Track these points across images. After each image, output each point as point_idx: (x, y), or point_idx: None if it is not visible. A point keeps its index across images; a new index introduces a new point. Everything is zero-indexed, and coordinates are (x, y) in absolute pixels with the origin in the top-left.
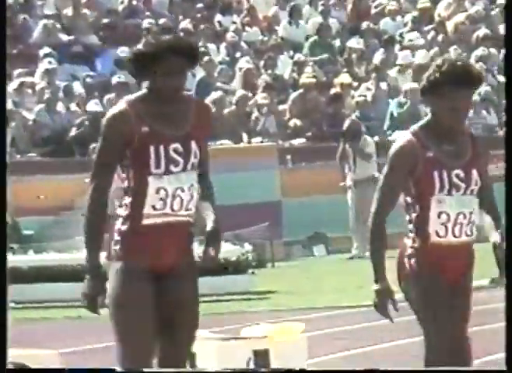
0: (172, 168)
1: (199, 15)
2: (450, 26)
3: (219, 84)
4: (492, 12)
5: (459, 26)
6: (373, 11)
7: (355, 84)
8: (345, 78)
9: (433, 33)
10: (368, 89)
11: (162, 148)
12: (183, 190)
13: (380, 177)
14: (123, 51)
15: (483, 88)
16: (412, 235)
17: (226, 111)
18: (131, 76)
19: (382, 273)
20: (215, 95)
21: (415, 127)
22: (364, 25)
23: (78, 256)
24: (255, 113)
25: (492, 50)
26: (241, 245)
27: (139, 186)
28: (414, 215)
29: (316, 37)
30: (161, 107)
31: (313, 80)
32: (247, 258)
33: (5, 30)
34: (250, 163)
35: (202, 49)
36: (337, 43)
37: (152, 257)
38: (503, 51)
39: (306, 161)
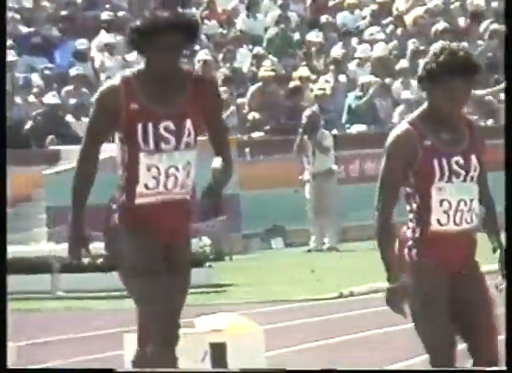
0: (163, 146)
1: None
2: (408, 19)
3: None
4: (451, 6)
5: (418, 20)
6: (331, 4)
7: (313, 77)
8: (303, 71)
9: (391, 26)
10: (327, 82)
11: (150, 125)
12: (177, 169)
13: (336, 170)
14: (82, 43)
15: None
16: (412, 224)
17: None
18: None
19: (394, 271)
20: None
21: (412, 115)
22: (323, 18)
23: (36, 248)
24: None
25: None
26: (199, 238)
27: (132, 161)
28: (414, 205)
29: (275, 30)
30: (156, 84)
31: (272, 73)
32: (205, 251)
33: (5, 33)
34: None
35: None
36: (296, 36)
37: (150, 234)
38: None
39: (264, 154)
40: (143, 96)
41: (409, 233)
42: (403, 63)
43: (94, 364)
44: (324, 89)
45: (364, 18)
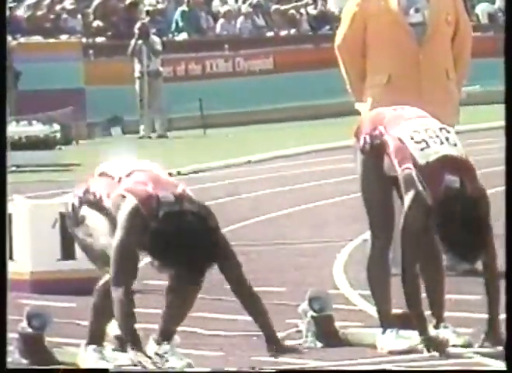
0: None
1: None
2: None
3: None
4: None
5: None
6: None
7: None
8: None
9: None
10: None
11: None
12: None
13: (162, 70)
14: None
15: None
16: None
17: (39, 13)
18: None
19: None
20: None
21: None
22: None
23: None
24: (64, 15)
25: None
26: (50, 124)
27: None
28: None
29: None
30: None
31: None
32: (55, 136)
33: (5, 33)
34: (59, 56)
35: None
36: None
37: None
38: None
39: (106, 55)
40: None
41: None
42: None
43: None
44: (154, 6)
45: None
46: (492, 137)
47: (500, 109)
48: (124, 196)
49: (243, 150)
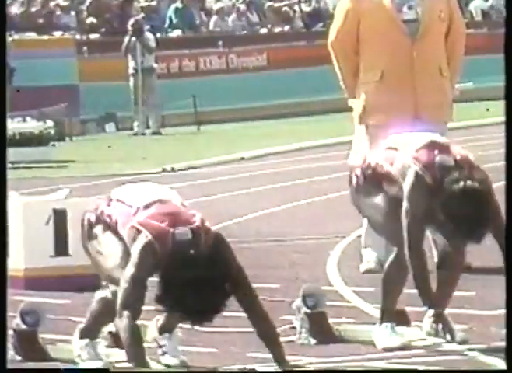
0: None
1: None
2: None
3: None
4: None
5: None
6: None
7: None
8: None
9: None
10: None
11: None
12: None
13: (156, 67)
14: None
15: None
16: None
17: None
18: None
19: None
20: None
21: None
22: None
23: None
24: (58, 12)
25: None
26: (44, 121)
27: None
28: None
29: None
30: None
31: None
32: (49, 132)
33: (4, 33)
34: (53, 52)
35: None
36: None
37: None
38: None
39: (99, 52)
40: None
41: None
42: None
43: None
44: (148, 2)
45: None
46: (485, 134)
47: (493, 105)
48: (138, 230)
49: (237, 147)
